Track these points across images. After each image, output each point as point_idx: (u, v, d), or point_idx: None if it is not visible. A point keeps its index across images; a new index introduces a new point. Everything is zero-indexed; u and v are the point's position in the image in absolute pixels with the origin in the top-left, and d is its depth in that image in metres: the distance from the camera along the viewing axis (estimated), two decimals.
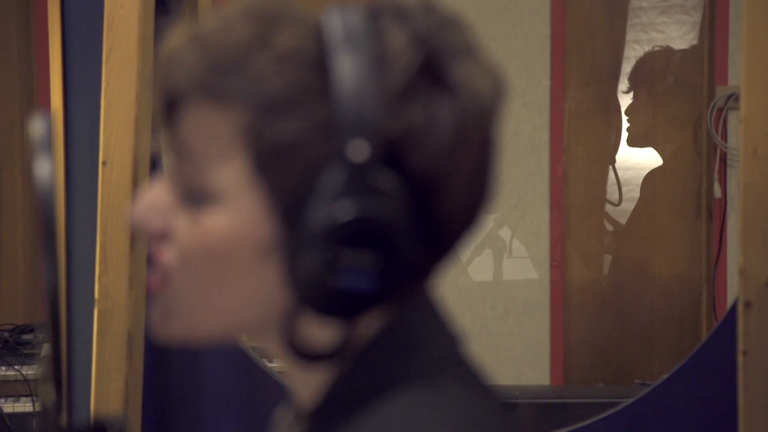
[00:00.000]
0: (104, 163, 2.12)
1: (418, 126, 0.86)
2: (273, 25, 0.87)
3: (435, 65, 0.87)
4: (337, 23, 0.85)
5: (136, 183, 2.12)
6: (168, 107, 0.90)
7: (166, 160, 0.93)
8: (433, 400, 0.88)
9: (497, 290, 3.98)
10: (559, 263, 3.99)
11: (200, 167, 0.89)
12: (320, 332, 0.89)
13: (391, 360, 0.90)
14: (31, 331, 3.07)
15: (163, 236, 0.91)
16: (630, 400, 2.45)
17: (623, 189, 3.98)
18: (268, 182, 0.87)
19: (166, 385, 2.26)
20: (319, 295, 0.85)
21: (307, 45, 0.86)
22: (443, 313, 0.94)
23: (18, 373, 2.79)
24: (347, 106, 0.83)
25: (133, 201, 0.94)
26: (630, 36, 4.04)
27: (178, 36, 0.89)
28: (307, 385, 0.94)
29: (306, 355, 0.89)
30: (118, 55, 2.10)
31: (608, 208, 4.03)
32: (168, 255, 0.91)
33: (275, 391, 2.27)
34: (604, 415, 2.46)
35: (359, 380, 0.90)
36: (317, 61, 0.85)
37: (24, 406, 2.76)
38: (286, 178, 0.86)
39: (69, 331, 2.32)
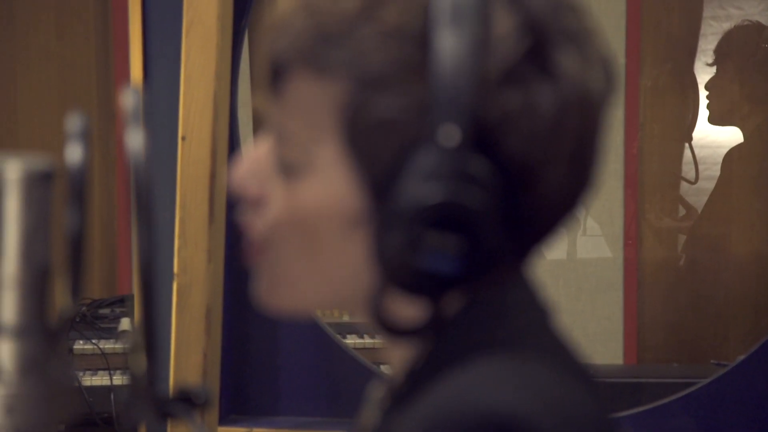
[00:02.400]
0: (183, 138, 2.13)
1: (516, 113, 0.85)
2: None
3: (541, 52, 0.86)
4: (445, 1, 0.84)
5: (214, 158, 2.13)
6: (273, 74, 0.91)
7: (269, 126, 0.94)
8: (511, 370, 0.87)
9: (571, 268, 3.96)
10: (633, 241, 3.96)
11: (296, 137, 0.89)
12: (406, 308, 0.89)
13: (476, 332, 0.90)
14: (108, 305, 3.10)
15: (259, 202, 0.92)
16: (706, 381, 2.43)
17: (699, 167, 3.94)
18: (360, 157, 0.87)
19: (243, 360, 2.28)
20: (403, 273, 0.84)
21: (414, 21, 0.85)
22: (533, 286, 0.94)
23: (95, 347, 2.82)
24: (444, 87, 0.82)
25: (231, 166, 0.95)
26: (707, 12, 3.99)
27: (286, 1, 0.89)
28: (398, 358, 0.95)
29: (393, 330, 0.89)
30: (198, 30, 2.10)
31: (684, 186, 3.99)
32: (261, 223, 0.92)
33: (352, 368, 2.27)
34: (680, 395, 2.44)
35: (443, 353, 0.90)
36: (422, 39, 0.84)
37: (101, 379, 2.79)
38: (378, 154, 0.86)
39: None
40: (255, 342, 2.27)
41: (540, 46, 0.86)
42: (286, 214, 0.91)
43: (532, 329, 0.92)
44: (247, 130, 2.44)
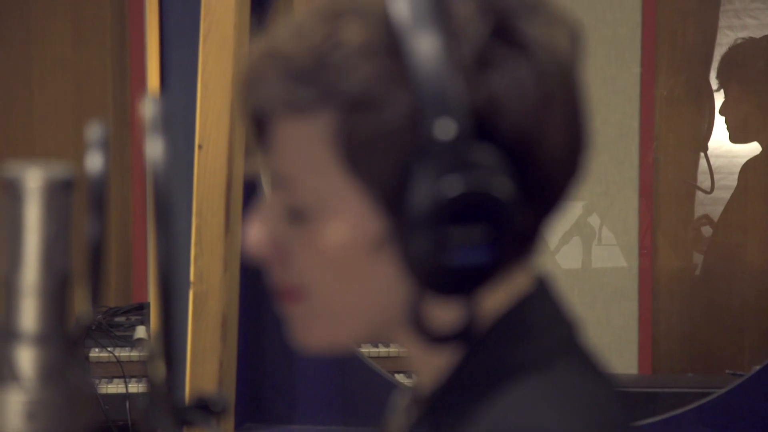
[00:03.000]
0: (200, 147, 2.14)
1: (501, 92, 0.86)
2: (340, 22, 0.87)
3: (506, 27, 0.87)
4: (401, 6, 0.84)
5: (231, 167, 2.14)
6: (257, 128, 0.92)
7: (266, 184, 0.95)
8: (547, 390, 0.88)
9: (585, 278, 3.96)
10: (648, 251, 3.95)
11: (298, 181, 0.89)
12: (445, 313, 0.89)
13: (508, 348, 0.91)
14: (124, 313, 3.11)
15: (282, 260, 0.93)
16: (721, 391, 2.43)
17: (715, 177, 3.94)
18: (366, 179, 0.87)
19: (259, 369, 2.28)
20: (437, 275, 0.85)
21: (378, 35, 0.86)
22: (560, 300, 0.95)
23: (111, 354, 2.83)
24: (427, 86, 0.83)
25: (243, 234, 0.95)
26: (722, 22, 3.99)
27: (254, 52, 0.90)
28: (429, 369, 0.95)
29: (434, 338, 0.89)
30: (215, 39, 2.11)
31: (699, 195, 3.98)
32: (289, 276, 0.93)
33: (367, 377, 2.28)
34: (696, 405, 2.44)
35: (475, 366, 0.91)
36: (390, 49, 0.85)
37: (117, 387, 2.79)
38: (382, 170, 0.86)
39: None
40: (270, 350, 2.28)
41: (504, 22, 0.87)
42: (313, 260, 0.91)
43: (563, 345, 0.93)
44: None
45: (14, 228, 0.82)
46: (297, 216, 0.91)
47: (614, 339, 3.96)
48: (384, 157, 0.86)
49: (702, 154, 3.96)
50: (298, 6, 0.91)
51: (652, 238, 3.97)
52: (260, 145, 0.93)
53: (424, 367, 0.96)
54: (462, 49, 0.85)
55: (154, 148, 0.81)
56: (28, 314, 0.82)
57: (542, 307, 0.93)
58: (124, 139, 4.06)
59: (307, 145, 0.88)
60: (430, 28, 0.84)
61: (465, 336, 0.88)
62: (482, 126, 0.85)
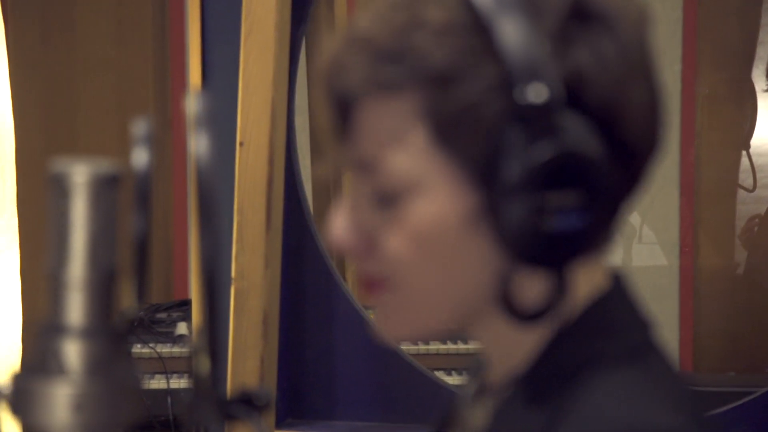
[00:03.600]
0: (241, 144, 2.15)
1: (585, 65, 0.87)
2: (421, 4, 0.88)
3: (584, 3, 0.89)
4: None
5: (272, 164, 2.15)
6: (341, 115, 0.93)
7: (348, 177, 0.95)
8: (647, 384, 0.89)
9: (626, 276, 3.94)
10: (689, 249, 3.93)
11: (385, 165, 0.90)
12: (534, 291, 0.90)
13: (598, 340, 0.92)
14: (166, 309, 3.13)
15: (369, 250, 0.93)
16: (763, 390, 2.41)
17: (757, 175, 3.91)
18: (455, 153, 0.88)
19: (300, 365, 2.29)
20: (531, 244, 0.86)
21: (458, 14, 0.87)
22: (637, 298, 0.96)
23: (153, 350, 2.84)
24: (515, 57, 0.85)
25: (328, 228, 0.96)
26: (765, 19, 3.96)
27: (334, 44, 0.91)
28: (509, 355, 0.95)
29: (523, 315, 0.90)
30: (255, 38, 2.12)
31: (741, 194, 3.96)
32: (376, 264, 0.93)
33: (408, 373, 2.28)
34: (737, 404, 2.43)
35: (567, 357, 0.92)
36: (472, 26, 0.87)
37: (159, 383, 2.81)
38: (472, 142, 0.87)
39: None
40: (311, 347, 2.29)
41: (575, 5, 0.89)
42: (406, 243, 0.91)
43: (647, 341, 0.94)
44: (303, 137, 2.46)
45: (61, 223, 0.83)
46: (385, 200, 0.91)
47: None
48: (474, 129, 0.87)
49: (744, 152, 3.93)
50: (340, 7, 0.93)
51: (693, 237, 3.95)
52: (344, 132, 0.94)
53: (504, 354, 0.96)
54: (544, 24, 0.87)
55: (198, 144, 0.82)
56: (75, 308, 0.83)
57: (623, 304, 0.95)
58: (164, 138, 4.08)
59: (396, 124, 0.89)
60: (512, 4, 0.86)
61: (553, 315, 0.89)
62: (569, 98, 0.87)
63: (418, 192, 0.90)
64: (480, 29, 0.87)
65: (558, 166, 0.84)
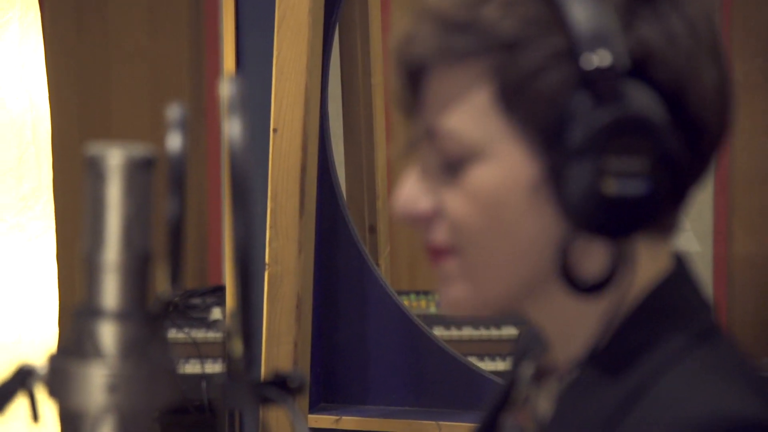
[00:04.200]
0: (275, 131, 2.16)
1: (653, 40, 0.89)
2: None
3: None
4: None
5: (305, 151, 2.15)
6: (412, 86, 0.95)
7: (416, 147, 0.96)
8: (718, 363, 0.90)
9: None
10: (723, 236, 3.92)
11: (452, 131, 0.92)
12: (595, 260, 0.91)
13: (665, 321, 0.92)
14: (200, 294, 3.14)
15: (432, 217, 0.94)
16: None
17: None
18: (520, 119, 0.90)
19: (332, 350, 2.30)
20: (594, 210, 0.87)
21: None
22: (698, 280, 0.96)
23: (187, 335, 2.86)
24: (581, 26, 0.86)
25: (394, 195, 0.97)
26: None
27: (403, 18, 0.94)
28: (569, 335, 0.96)
29: (583, 285, 0.91)
30: (289, 25, 2.13)
31: None
32: (441, 232, 0.94)
33: (440, 358, 2.28)
34: None
35: (634, 341, 0.92)
36: None
37: (193, 367, 2.82)
38: (537, 108, 0.89)
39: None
40: (344, 332, 2.29)
41: None
42: (471, 208, 0.92)
43: (713, 325, 0.94)
44: (336, 124, 2.46)
45: (96, 206, 0.83)
46: (451, 167, 0.93)
47: None
48: (539, 95, 0.89)
49: None
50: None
51: (727, 223, 3.93)
52: (414, 102, 0.95)
53: (565, 332, 0.96)
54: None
55: (232, 130, 0.82)
56: (110, 291, 0.84)
57: (689, 285, 0.95)
58: (198, 125, 4.09)
59: (464, 91, 0.91)
60: None
61: (614, 289, 0.90)
62: (636, 70, 0.88)
63: (482, 157, 0.91)
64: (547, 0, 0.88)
65: (622, 130, 0.85)
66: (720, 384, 0.87)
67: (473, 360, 2.44)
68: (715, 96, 0.91)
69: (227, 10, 2.32)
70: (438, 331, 2.69)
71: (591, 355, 0.93)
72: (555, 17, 0.88)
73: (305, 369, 2.19)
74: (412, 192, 0.95)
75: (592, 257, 0.91)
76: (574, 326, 0.95)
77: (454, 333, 2.77)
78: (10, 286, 1.81)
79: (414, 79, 0.95)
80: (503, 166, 0.91)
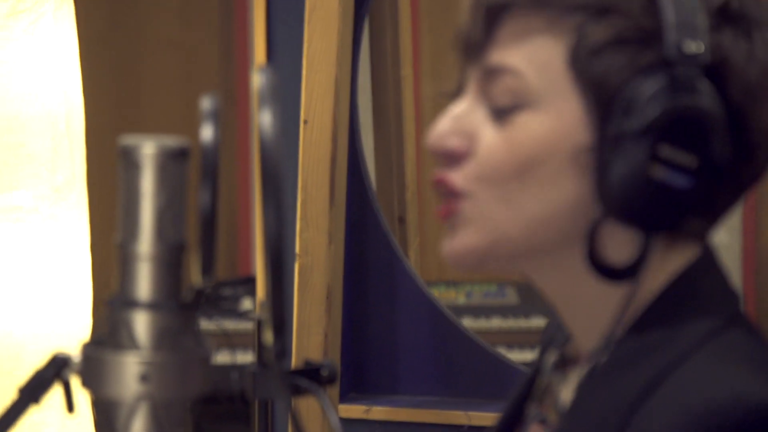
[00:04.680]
0: (305, 122, 2.16)
1: (732, 51, 0.89)
2: None
3: (741, 3, 0.90)
4: None
5: (335, 142, 2.16)
6: (487, 21, 0.93)
7: (470, 82, 0.95)
8: (744, 349, 0.90)
9: None
10: (751, 228, 3.90)
11: (519, 70, 0.91)
12: (622, 247, 0.90)
13: (690, 308, 0.92)
14: (231, 285, 3.15)
15: (459, 157, 0.93)
16: None
17: None
18: (588, 84, 0.90)
19: (362, 340, 2.31)
20: (632, 197, 0.87)
21: None
22: (724, 269, 0.96)
23: (218, 326, 2.87)
24: (676, 12, 0.86)
25: (430, 128, 0.96)
26: None
27: None
28: (590, 318, 0.95)
29: (606, 269, 0.91)
30: (319, 17, 2.13)
31: None
32: (462, 175, 0.93)
33: (468, 348, 2.29)
34: None
35: (657, 330, 0.91)
36: None
37: (223, 357, 2.84)
38: (607, 78, 0.89)
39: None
40: (374, 322, 2.30)
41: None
42: (505, 153, 0.91)
43: (738, 313, 0.94)
44: (366, 116, 2.47)
45: (130, 196, 0.84)
46: (501, 112, 0.92)
47: None
48: (614, 66, 0.89)
49: None
50: None
51: (756, 216, 3.91)
52: (484, 39, 0.94)
53: (585, 316, 0.95)
54: (704, 3, 0.89)
55: (264, 121, 0.82)
56: (143, 281, 0.85)
57: (716, 273, 0.95)
58: (229, 116, 4.10)
59: (542, 39, 0.91)
60: None
61: (637, 277, 0.89)
62: (712, 73, 0.88)
63: (537, 107, 0.91)
64: None
65: (685, 121, 0.85)
66: (739, 368, 0.87)
67: (502, 350, 2.44)
68: None
69: (258, 2, 2.33)
70: (467, 322, 2.70)
71: (608, 342, 0.93)
72: None
73: (335, 359, 2.20)
74: (446, 127, 0.95)
75: (619, 243, 0.91)
76: (592, 311, 0.94)
77: (483, 323, 2.77)
78: (45, 276, 1.83)
79: (491, 16, 0.93)
80: (554, 122, 0.90)
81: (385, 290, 2.26)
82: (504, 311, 2.88)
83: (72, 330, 1.83)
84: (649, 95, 0.86)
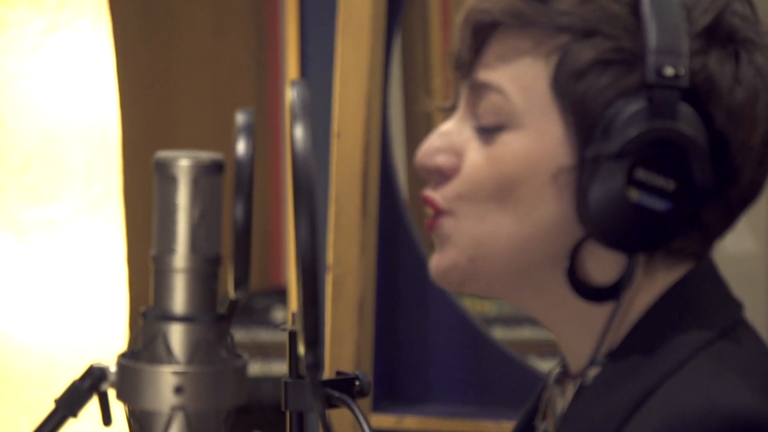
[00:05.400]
0: (338, 135, 2.18)
1: (718, 74, 0.89)
2: None
3: (729, 24, 0.90)
4: None
5: (367, 154, 2.17)
6: (475, 40, 0.94)
7: (460, 100, 0.96)
8: (732, 359, 0.90)
9: None
10: None
11: (502, 87, 0.92)
12: (604, 267, 0.91)
13: (680, 321, 0.92)
14: (264, 296, 3.16)
15: (446, 173, 0.94)
16: None
17: None
18: (570, 105, 0.90)
19: (394, 351, 2.31)
20: (612, 221, 0.87)
21: None
22: (723, 280, 0.96)
23: (250, 337, 2.87)
24: (657, 36, 0.87)
25: (420, 146, 0.97)
26: None
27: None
28: (577, 336, 0.96)
29: (587, 291, 0.91)
30: (351, 31, 2.15)
31: None
32: (447, 192, 0.94)
33: (499, 358, 2.29)
34: None
35: (649, 345, 0.91)
36: None
37: (256, 368, 2.84)
38: (588, 101, 0.89)
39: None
40: (405, 333, 2.30)
41: (724, 17, 0.90)
42: (488, 171, 0.92)
43: (737, 323, 0.95)
44: (397, 128, 2.48)
45: (165, 209, 0.85)
46: (486, 131, 0.93)
47: None
48: (595, 89, 0.89)
49: None
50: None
51: None
52: (472, 57, 0.95)
53: (572, 335, 0.96)
54: (689, 25, 0.89)
55: (298, 132, 0.83)
56: (179, 294, 0.85)
57: (707, 285, 0.95)
58: (262, 129, 4.12)
59: (525, 59, 0.92)
60: None
61: (620, 297, 0.89)
62: (694, 98, 0.88)
63: (520, 127, 0.91)
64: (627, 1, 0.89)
65: (655, 144, 0.85)
66: (719, 380, 0.87)
67: (534, 360, 2.44)
68: (760, 149, 0.91)
69: (290, 17, 2.35)
70: (498, 332, 2.70)
71: (594, 361, 0.93)
72: (632, 20, 0.88)
73: (367, 370, 2.21)
74: (435, 144, 0.95)
75: (602, 263, 0.91)
76: (579, 329, 0.95)
77: (514, 333, 2.77)
78: (81, 288, 1.84)
79: (479, 34, 0.94)
80: (536, 142, 0.90)
81: (416, 301, 2.27)
82: (535, 321, 2.87)
83: (108, 342, 1.84)
84: (626, 118, 0.86)
